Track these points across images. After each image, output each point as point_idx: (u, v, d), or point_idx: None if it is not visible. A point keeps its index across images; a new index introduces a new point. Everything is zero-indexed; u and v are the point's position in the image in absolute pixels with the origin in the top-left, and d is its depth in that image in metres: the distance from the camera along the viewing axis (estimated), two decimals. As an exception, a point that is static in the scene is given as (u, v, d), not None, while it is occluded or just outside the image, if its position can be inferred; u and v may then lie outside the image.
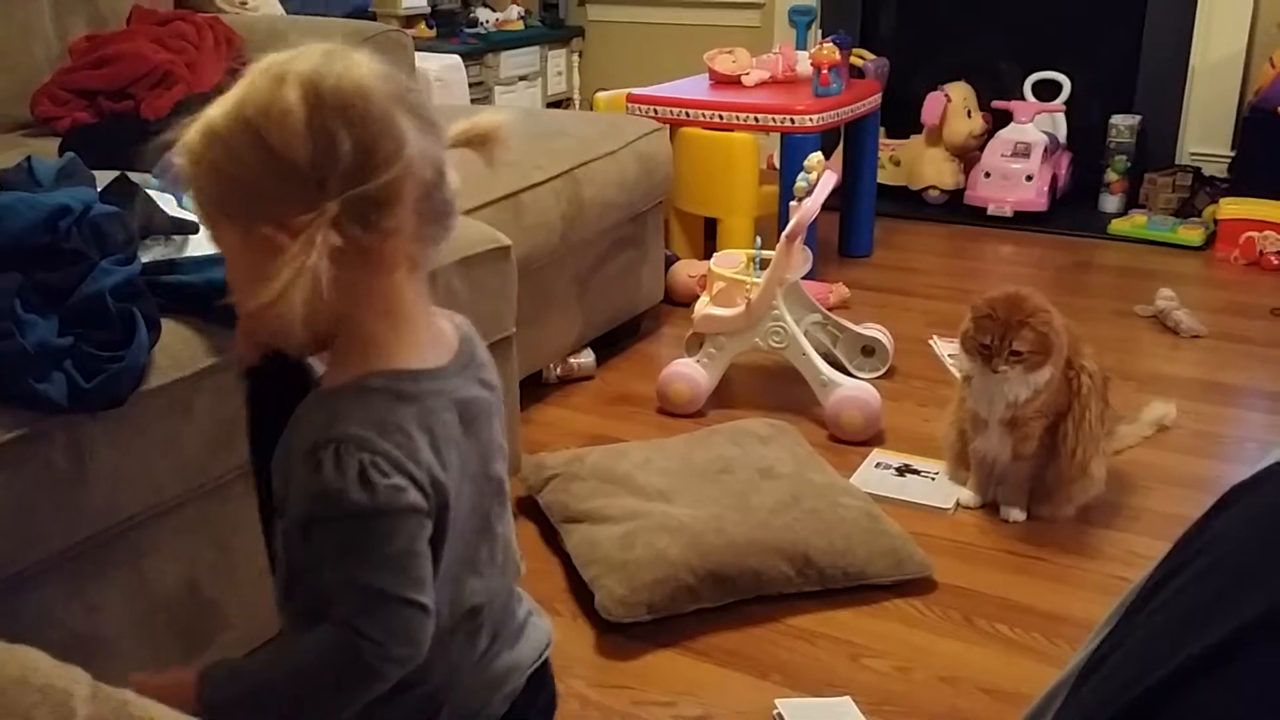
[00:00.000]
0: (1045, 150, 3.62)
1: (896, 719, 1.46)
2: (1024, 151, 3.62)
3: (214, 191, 0.82)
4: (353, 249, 0.79)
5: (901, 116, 3.81)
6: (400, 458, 0.80)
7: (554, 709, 1.04)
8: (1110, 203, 3.73)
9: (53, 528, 1.15)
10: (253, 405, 0.95)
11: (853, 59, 3.33)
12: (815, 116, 2.88)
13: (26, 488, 1.11)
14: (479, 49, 4.12)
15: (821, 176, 2.28)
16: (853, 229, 3.38)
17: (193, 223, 1.37)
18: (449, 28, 4.19)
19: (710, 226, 3.11)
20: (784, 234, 2.20)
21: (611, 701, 1.49)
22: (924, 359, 2.60)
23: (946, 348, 2.59)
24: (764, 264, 2.30)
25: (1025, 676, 1.52)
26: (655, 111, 3.01)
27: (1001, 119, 3.73)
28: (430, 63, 3.29)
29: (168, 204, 1.41)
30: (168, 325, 1.26)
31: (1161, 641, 0.55)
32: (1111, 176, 3.72)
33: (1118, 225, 3.54)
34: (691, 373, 2.31)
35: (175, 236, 1.38)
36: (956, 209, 3.76)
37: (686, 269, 2.95)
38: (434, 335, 0.89)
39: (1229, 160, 3.62)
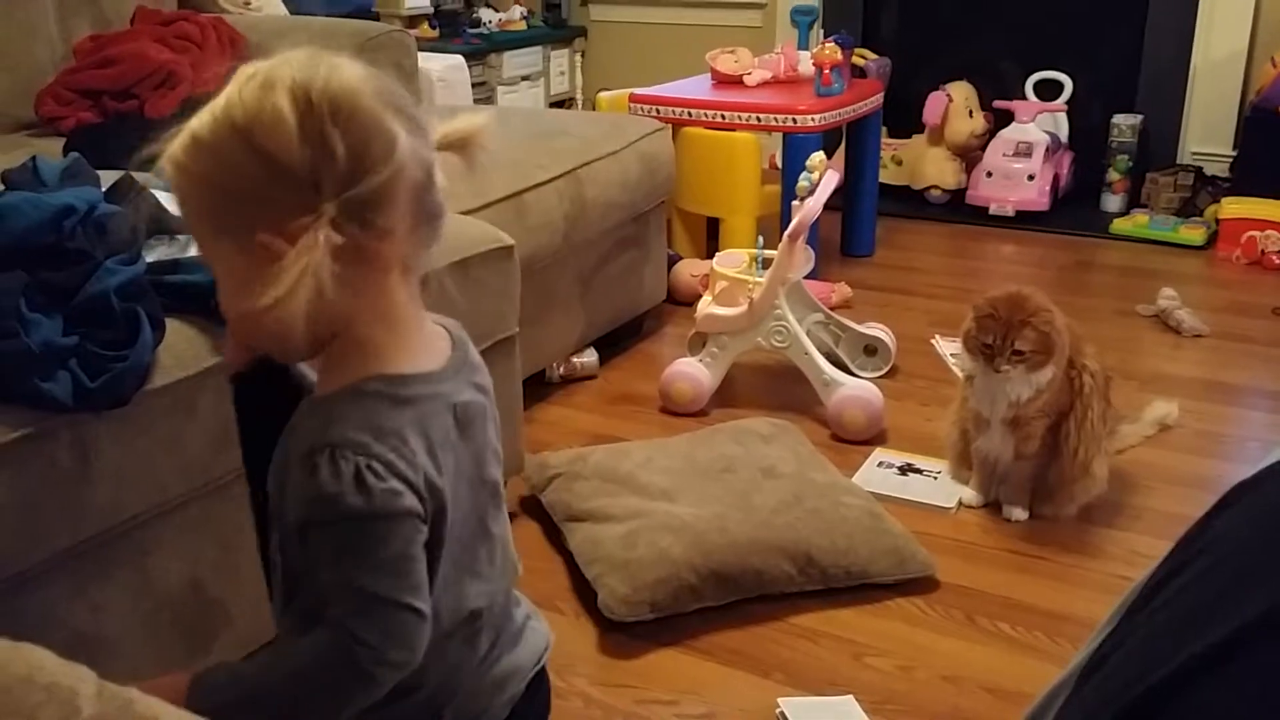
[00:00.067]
0: (1047, 150, 3.62)
1: (899, 718, 1.46)
2: (1026, 151, 3.62)
3: (206, 202, 0.81)
4: (351, 249, 0.79)
5: (903, 116, 3.82)
6: (396, 462, 0.80)
7: (548, 712, 1.04)
8: (1112, 202, 3.73)
9: (57, 526, 1.15)
10: (240, 411, 0.96)
11: (855, 59, 3.34)
12: (817, 116, 2.88)
13: (31, 487, 1.11)
14: (482, 49, 4.12)
15: (824, 176, 2.29)
16: (855, 228, 3.38)
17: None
18: (452, 28, 4.19)
19: (713, 226, 3.11)
20: (786, 233, 2.21)
21: (614, 700, 1.49)
22: (926, 358, 2.60)
23: (949, 347, 2.59)
24: (766, 263, 2.30)
25: (1027, 675, 1.52)
26: (658, 111, 3.01)
27: (1003, 118, 3.73)
28: (433, 63, 3.29)
29: (171, 203, 1.42)
30: (172, 324, 1.26)
31: (1163, 640, 0.55)
32: (1113, 176, 3.72)
33: (1119, 225, 3.54)
34: (694, 372, 2.31)
35: (179, 236, 1.38)
36: (958, 208, 3.76)
37: (689, 268, 2.96)
38: (428, 339, 0.89)
39: (1230, 160, 3.62)
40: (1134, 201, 3.69)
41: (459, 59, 3.49)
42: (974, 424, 1.92)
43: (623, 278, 2.58)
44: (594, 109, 3.70)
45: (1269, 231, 3.23)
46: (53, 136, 2.17)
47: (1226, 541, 0.58)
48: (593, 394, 2.45)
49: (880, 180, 3.41)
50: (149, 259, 1.30)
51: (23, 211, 1.21)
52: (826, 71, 2.96)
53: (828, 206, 2.31)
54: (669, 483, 1.87)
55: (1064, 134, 3.80)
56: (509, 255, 1.78)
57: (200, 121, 0.79)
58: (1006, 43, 4.02)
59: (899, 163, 3.92)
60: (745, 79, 3.20)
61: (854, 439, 2.19)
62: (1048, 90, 3.77)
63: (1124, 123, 3.66)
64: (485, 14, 4.34)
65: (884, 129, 3.45)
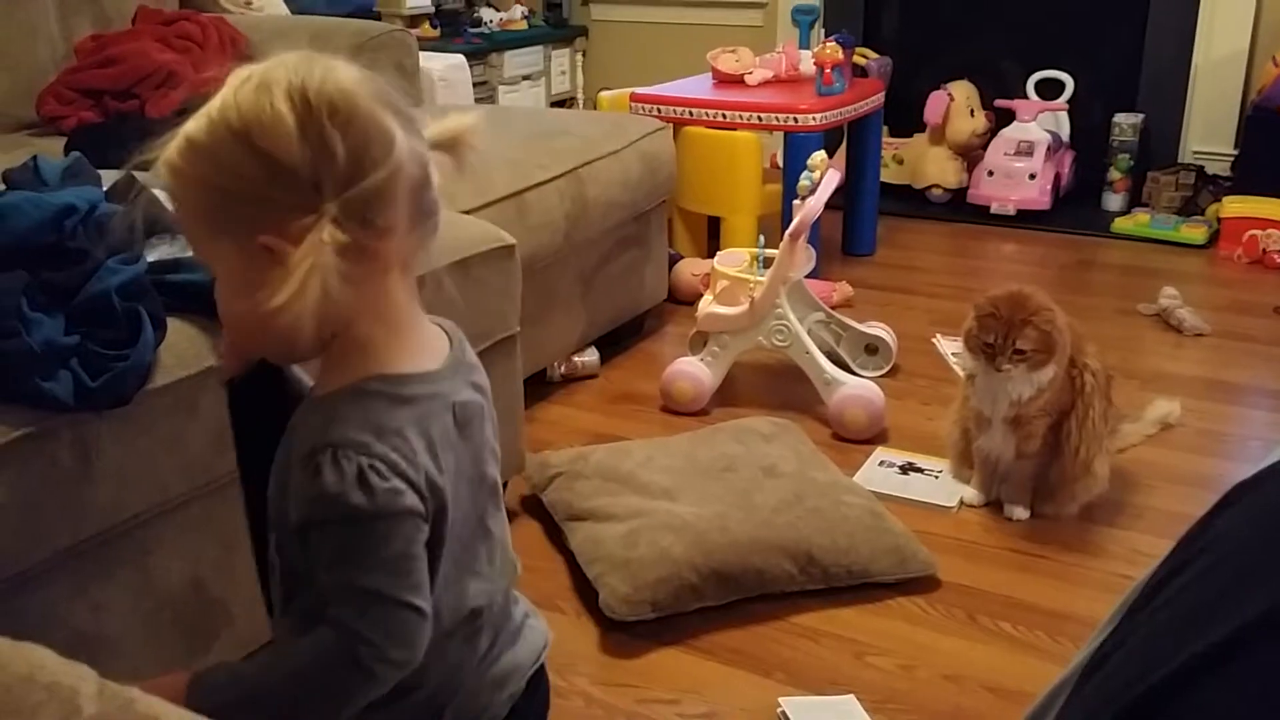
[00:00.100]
0: (1048, 149, 3.61)
1: (900, 717, 1.46)
2: (1027, 150, 3.62)
3: (204, 205, 0.81)
4: (353, 248, 0.79)
5: (904, 115, 3.82)
6: (399, 461, 0.80)
7: (548, 709, 1.04)
8: (1113, 201, 3.73)
9: (58, 526, 1.15)
10: (236, 416, 0.96)
11: (856, 58, 3.33)
12: (818, 115, 2.88)
13: (32, 486, 1.11)
14: (483, 49, 4.12)
15: (825, 175, 2.29)
16: (856, 227, 3.38)
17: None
18: (453, 27, 4.19)
19: (714, 225, 3.11)
20: (787, 232, 2.21)
21: (615, 700, 1.49)
22: (927, 357, 2.60)
23: (950, 346, 2.59)
24: (767, 263, 2.30)
25: (1028, 674, 1.52)
26: (659, 111, 3.01)
27: (1004, 118, 3.73)
28: (434, 62, 3.29)
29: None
30: (173, 324, 1.26)
31: (1164, 640, 0.55)
32: (1114, 175, 3.72)
33: (1121, 224, 3.54)
34: (695, 371, 2.31)
35: (180, 235, 1.38)
36: (960, 207, 3.76)
37: (690, 268, 2.96)
38: (427, 338, 0.89)
39: (1232, 159, 3.61)
40: (1135, 200, 3.69)
41: (460, 58, 3.49)
42: (975, 423, 1.92)
43: (624, 277, 2.58)
44: (595, 108, 3.70)
45: (1270, 230, 3.23)
46: (54, 136, 2.17)
47: (1228, 541, 0.58)
48: (594, 393, 2.45)
49: (881, 179, 3.41)
50: (150, 258, 1.30)
51: (24, 211, 1.21)
52: (828, 71, 2.95)
53: (829, 206, 2.31)
54: (670, 482, 1.87)
55: (1065, 133, 3.80)
56: (510, 254, 1.78)
57: (196, 125, 0.79)
58: (1008, 42, 4.02)
59: (900, 162, 3.92)
60: (746, 78, 3.20)
61: (855, 438, 2.19)
62: (1049, 89, 3.76)
63: (1125, 122, 3.66)
64: (486, 13, 4.34)
65: (885, 128, 3.45)
